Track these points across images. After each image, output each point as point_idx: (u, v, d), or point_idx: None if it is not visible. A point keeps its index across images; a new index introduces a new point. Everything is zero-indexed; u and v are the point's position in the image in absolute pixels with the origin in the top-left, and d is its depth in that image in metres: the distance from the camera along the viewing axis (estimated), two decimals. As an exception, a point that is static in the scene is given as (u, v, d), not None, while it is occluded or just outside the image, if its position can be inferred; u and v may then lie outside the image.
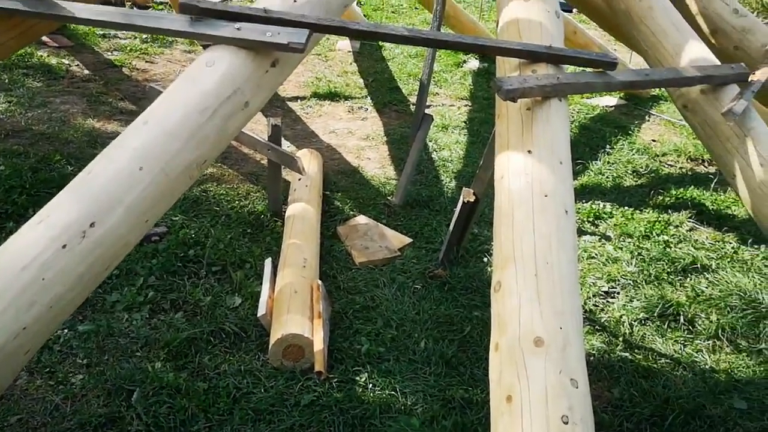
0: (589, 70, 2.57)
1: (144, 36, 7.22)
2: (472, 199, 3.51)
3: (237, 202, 4.23)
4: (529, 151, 2.28)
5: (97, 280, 1.97)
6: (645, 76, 2.68)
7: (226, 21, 2.27)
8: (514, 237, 2.10)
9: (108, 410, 2.59)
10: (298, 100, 6.29)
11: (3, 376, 1.80)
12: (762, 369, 3.27)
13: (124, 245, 2.00)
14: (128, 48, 6.90)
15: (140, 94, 5.89)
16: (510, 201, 2.19)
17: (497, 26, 2.84)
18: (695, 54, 3.04)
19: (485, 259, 3.93)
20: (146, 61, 6.73)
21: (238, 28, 2.23)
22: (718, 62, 3.04)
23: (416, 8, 10.07)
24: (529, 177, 2.22)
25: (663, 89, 7.12)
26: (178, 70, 6.59)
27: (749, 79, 3.00)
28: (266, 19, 2.28)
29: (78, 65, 6.34)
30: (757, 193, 2.77)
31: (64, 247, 1.85)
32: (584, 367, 1.86)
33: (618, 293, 3.75)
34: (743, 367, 3.27)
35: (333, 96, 6.43)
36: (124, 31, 6.98)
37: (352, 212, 4.30)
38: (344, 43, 7.91)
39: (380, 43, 7.90)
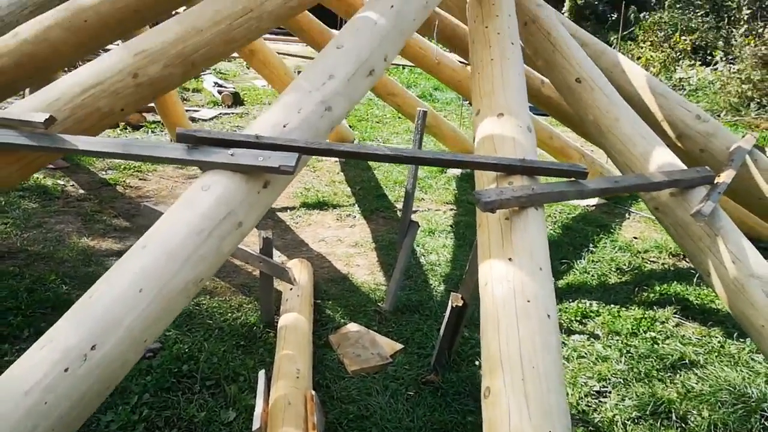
0: (562, 179, 2.74)
1: (137, 154, 7.47)
2: (460, 304, 3.60)
3: (230, 314, 4.29)
4: (510, 259, 2.41)
5: (99, 400, 2.03)
6: (615, 183, 2.85)
7: (220, 148, 2.43)
8: (500, 342, 2.19)
9: None
10: (288, 211, 6.46)
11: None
12: (757, 464, 3.28)
13: (123, 365, 2.07)
14: (122, 166, 7.13)
15: (134, 211, 6.05)
16: (495, 307, 2.29)
17: (474, 141, 3.03)
18: (662, 160, 3.24)
19: (477, 363, 3.97)
20: (139, 179, 6.94)
21: (231, 154, 2.40)
22: (684, 166, 3.23)
23: (399, 118, 10.48)
24: (511, 283, 2.33)
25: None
26: (171, 186, 6.79)
27: (715, 182, 3.18)
28: (258, 144, 2.45)
29: (73, 185, 6.53)
30: (731, 288, 2.89)
31: (66, 370, 1.92)
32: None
33: (609, 392, 3.78)
34: (739, 464, 3.28)
35: (321, 205, 6.62)
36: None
37: (343, 320, 4.36)
38: (331, 154, 8.18)
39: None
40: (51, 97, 2.69)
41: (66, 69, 5.14)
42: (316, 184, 7.29)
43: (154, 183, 6.90)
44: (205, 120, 9.77)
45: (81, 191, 6.42)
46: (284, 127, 2.58)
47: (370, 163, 8.01)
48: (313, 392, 3.32)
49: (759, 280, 2.81)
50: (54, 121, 2.42)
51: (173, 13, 4.44)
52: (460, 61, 7.01)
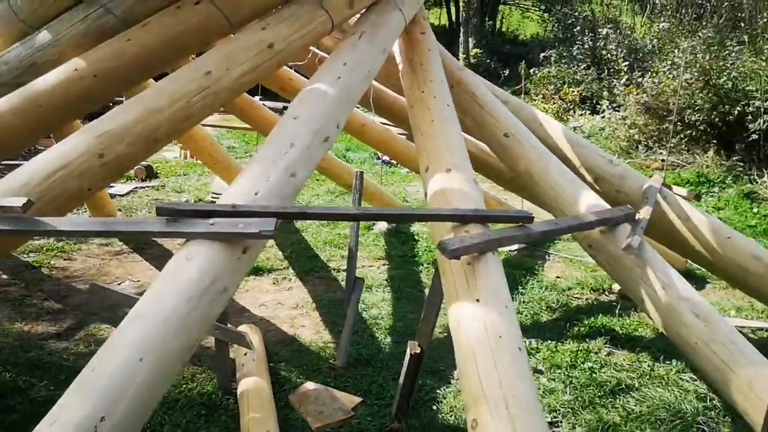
0: (510, 225, 3.02)
1: (58, 234, 7.31)
2: (418, 351, 3.78)
3: (184, 385, 4.29)
4: (478, 300, 2.63)
5: (110, 470, 2.07)
6: (555, 225, 3.17)
7: (199, 218, 2.56)
8: (480, 377, 2.39)
9: None
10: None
11: None
12: (701, 473, 3.59)
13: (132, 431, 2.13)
14: (44, 248, 6.95)
15: (64, 292, 5.91)
16: (470, 345, 2.50)
17: (426, 196, 3.28)
18: (589, 201, 3.60)
19: (434, 407, 4.14)
20: (64, 259, 6.78)
21: (212, 224, 2.53)
22: (608, 206, 3.60)
23: (317, 179, 10.70)
24: (482, 322, 2.56)
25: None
26: (99, 264, 6.67)
27: (636, 218, 3.56)
28: (235, 213, 2.59)
29: (-4, 270, 6.33)
30: (664, 312, 3.23)
31: (78, 444, 1.96)
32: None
33: (561, 422, 4.03)
34: (685, 474, 3.57)
35: (256, 271, 6.68)
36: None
37: (299, 379, 4.44)
38: (257, 220, 8.27)
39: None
40: (20, 181, 2.74)
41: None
42: (247, 251, 7.34)
43: (80, 262, 6.76)
44: (122, 195, 9.64)
45: (4, 276, 6.22)
46: (256, 194, 2.75)
47: (298, 225, 8.16)
48: (287, 451, 3.40)
49: (687, 302, 3.16)
50: (32, 204, 2.48)
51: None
52: (384, 123, 7.37)
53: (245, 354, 4.37)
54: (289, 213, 2.65)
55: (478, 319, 2.57)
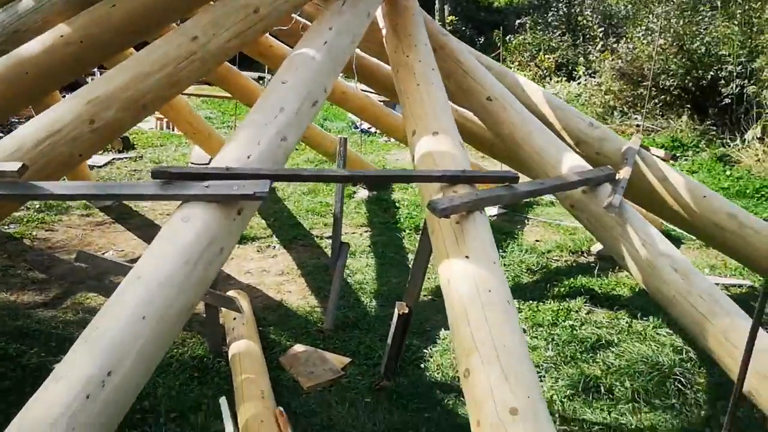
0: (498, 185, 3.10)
1: (37, 205, 7.27)
2: (406, 311, 3.87)
3: (176, 350, 4.35)
4: (467, 257, 2.72)
5: (117, 422, 2.14)
6: (540, 185, 3.25)
7: (194, 181, 2.60)
8: (471, 330, 2.48)
9: None
10: (208, 247, 6.51)
11: None
12: (676, 419, 3.76)
13: (136, 389, 2.20)
14: (25, 219, 6.91)
15: (48, 262, 5.91)
16: (461, 301, 2.58)
17: (413, 158, 3.35)
18: (572, 163, 3.68)
19: (422, 366, 4.26)
20: (46, 230, 6.75)
21: (206, 186, 2.57)
22: (590, 167, 3.69)
23: (297, 149, 10.70)
24: (472, 278, 2.64)
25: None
26: (80, 235, 6.66)
27: (616, 178, 3.66)
28: (229, 175, 2.64)
29: (-23, 242, 6.29)
30: (645, 269, 3.34)
31: (87, 397, 2.02)
32: (553, 426, 2.22)
33: (544, 376, 4.18)
34: (662, 422, 3.74)
35: (240, 239, 6.71)
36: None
37: (288, 342, 4.53)
38: (238, 189, 8.28)
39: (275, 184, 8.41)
40: (11, 147, 2.74)
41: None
42: (230, 219, 7.37)
43: (61, 233, 6.74)
44: (100, 166, 9.56)
45: (-14, 248, 6.20)
46: (248, 158, 2.79)
47: (280, 194, 8.19)
48: (281, 408, 3.49)
49: (667, 258, 3.28)
50: (27, 169, 2.51)
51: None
52: (364, 91, 7.38)
53: (234, 318, 4.44)
54: (283, 175, 2.70)
55: (468, 275, 2.65)
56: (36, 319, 4.74)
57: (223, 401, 3.68)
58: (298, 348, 4.41)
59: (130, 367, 2.14)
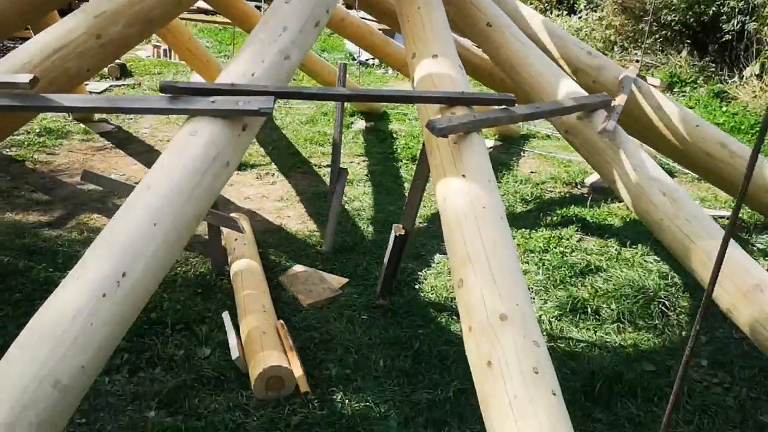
0: (494, 107, 3.18)
1: (38, 129, 7.31)
2: (402, 233, 4.00)
3: (179, 268, 4.50)
4: (463, 175, 2.82)
5: (131, 321, 2.29)
6: (536, 108, 3.33)
7: (200, 96, 2.68)
8: (466, 242, 2.61)
9: (120, 458, 2.81)
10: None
11: (65, 416, 2.06)
12: (657, 339, 3.95)
13: (149, 290, 2.33)
14: (26, 143, 6.96)
15: (50, 185, 6.00)
16: (457, 216, 2.70)
17: (413, 81, 3.41)
18: (568, 89, 3.75)
19: (416, 287, 4.43)
20: (47, 153, 6.82)
21: (212, 101, 2.65)
22: (586, 93, 3.76)
23: (295, 78, 10.66)
24: (467, 195, 2.75)
25: (532, 127, 8.08)
26: (81, 159, 6.72)
27: (612, 105, 3.73)
28: (234, 91, 2.71)
29: (-21, 164, 6.37)
30: (634, 192, 3.46)
31: (104, 296, 2.16)
32: (540, 332, 2.37)
33: (533, 298, 4.35)
34: (645, 340, 3.93)
35: (239, 166, 6.80)
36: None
37: (288, 263, 4.67)
38: (237, 117, 8.31)
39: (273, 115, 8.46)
40: (21, 61, 2.80)
41: None
42: (229, 147, 7.44)
43: (63, 157, 6.80)
44: (98, 92, 9.55)
45: (-11, 169, 6.27)
46: (252, 75, 2.85)
47: (279, 122, 8.23)
48: (282, 321, 3.66)
49: (656, 182, 3.39)
50: (38, 81, 2.57)
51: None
52: (363, 19, 7.34)
53: (236, 240, 4.57)
54: (286, 92, 2.77)
55: (463, 192, 2.76)
56: (42, 237, 4.87)
57: (225, 315, 3.84)
58: (298, 268, 4.56)
59: (142, 270, 2.27)
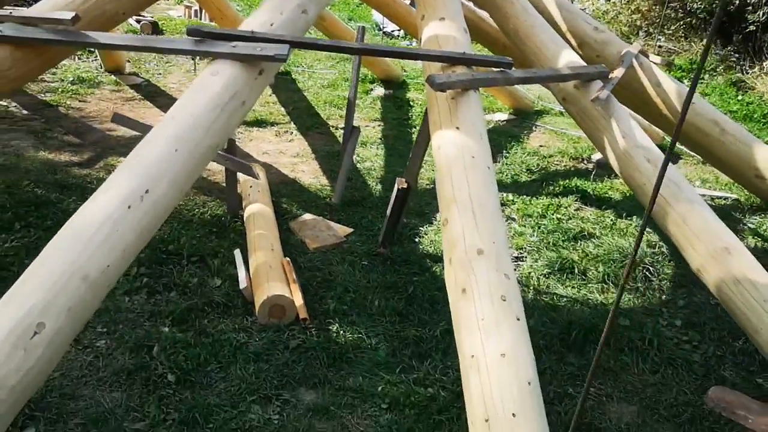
0: (493, 69, 3.43)
1: (71, 78, 7.66)
2: (405, 186, 4.28)
3: (197, 210, 4.82)
4: (458, 128, 3.09)
5: (151, 233, 2.60)
6: (533, 73, 3.58)
7: (223, 41, 2.97)
8: (453, 187, 2.89)
9: (135, 361, 3.16)
10: (229, 128, 6.91)
11: (90, 307, 2.38)
12: (638, 299, 4.21)
13: (168, 208, 2.65)
14: (59, 90, 7.31)
15: (82, 129, 6.35)
16: (448, 162, 2.98)
17: (420, 42, 3.67)
18: (568, 59, 3.99)
19: (416, 240, 4.72)
20: (79, 101, 7.16)
21: (234, 46, 2.94)
22: (586, 64, 4.00)
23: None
24: (459, 145, 3.03)
25: (546, 104, 8.27)
26: (110, 108, 7.06)
27: (609, 76, 3.97)
28: (254, 38, 2.99)
29: (15, 106, 6.72)
30: (622, 158, 3.71)
31: (129, 207, 2.47)
32: (512, 267, 2.65)
33: (525, 257, 4.62)
34: (625, 300, 4.19)
35: (260, 123, 7.11)
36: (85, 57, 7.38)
37: (298, 212, 4.98)
38: (261, 78, 8.61)
39: (293, 76, 8.75)
40: (64, 1, 3.11)
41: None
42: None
43: (93, 105, 7.15)
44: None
45: (25, 112, 6.62)
46: (271, 25, 3.14)
47: (301, 85, 8.51)
48: (288, 259, 3.97)
49: (642, 149, 3.64)
50: (79, 18, 2.87)
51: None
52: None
53: (251, 186, 4.88)
54: (301, 42, 3.05)
55: (456, 142, 3.04)
56: (72, 174, 5.22)
57: (237, 252, 4.16)
58: (307, 216, 4.86)
59: (164, 189, 2.58)
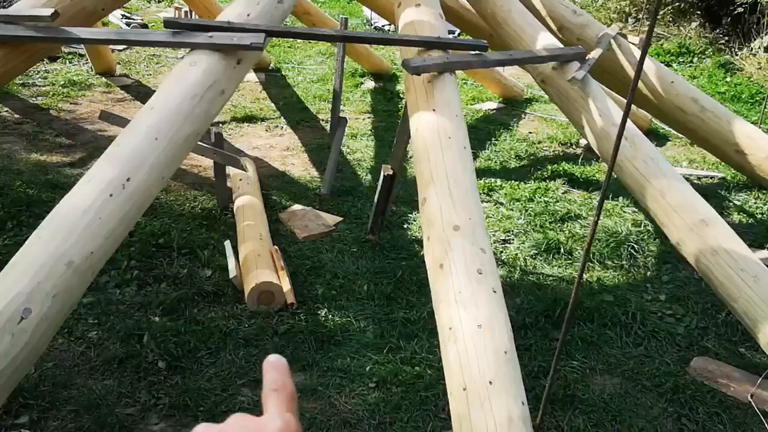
0: (469, 52, 3.49)
1: (62, 81, 7.72)
2: (390, 173, 4.34)
3: (188, 204, 4.89)
4: (434, 110, 3.15)
5: (134, 220, 2.67)
6: (509, 56, 3.64)
7: (200, 32, 3.02)
8: (431, 167, 2.95)
9: (126, 350, 3.22)
10: (220, 125, 6.97)
11: (76, 292, 2.45)
12: (622, 277, 4.27)
13: (150, 195, 2.71)
14: (50, 93, 7.37)
15: (72, 131, 6.41)
16: (425, 144, 3.04)
17: (397, 28, 3.73)
18: (546, 42, 4.05)
19: (405, 226, 4.78)
20: (70, 103, 7.22)
21: (210, 36, 3.00)
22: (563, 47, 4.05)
23: (310, 43, 10.97)
24: (436, 126, 3.09)
25: (536, 92, 8.32)
26: (102, 109, 7.11)
27: (586, 57, 4.02)
28: (230, 28, 3.05)
29: (7, 111, 6.78)
30: (599, 135, 3.77)
31: (110, 195, 2.54)
32: (488, 242, 2.71)
33: (513, 239, 4.68)
34: (610, 277, 4.25)
35: (250, 119, 7.17)
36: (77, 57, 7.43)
37: (288, 203, 5.04)
38: (251, 75, 8.66)
39: (283, 72, 8.80)
40: (44, -1, 3.17)
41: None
42: (242, 102, 7.79)
43: (85, 107, 7.21)
44: (120, 50, 9.93)
45: (17, 116, 6.69)
46: (248, 16, 3.20)
47: (289, 81, 8.56)
48: (276, 247, 4.03)
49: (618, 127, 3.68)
50: (58, 15, 2.93)
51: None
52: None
53: (240, 179, 4.94)
54: (277, 31, 3.10)
55: (432, 124, 3.10)
56: (64, 174, 5.28)
57: (227, 243, 4.22)
58: (296, 207, 4.93)
59: (144, 177, 2.65)
